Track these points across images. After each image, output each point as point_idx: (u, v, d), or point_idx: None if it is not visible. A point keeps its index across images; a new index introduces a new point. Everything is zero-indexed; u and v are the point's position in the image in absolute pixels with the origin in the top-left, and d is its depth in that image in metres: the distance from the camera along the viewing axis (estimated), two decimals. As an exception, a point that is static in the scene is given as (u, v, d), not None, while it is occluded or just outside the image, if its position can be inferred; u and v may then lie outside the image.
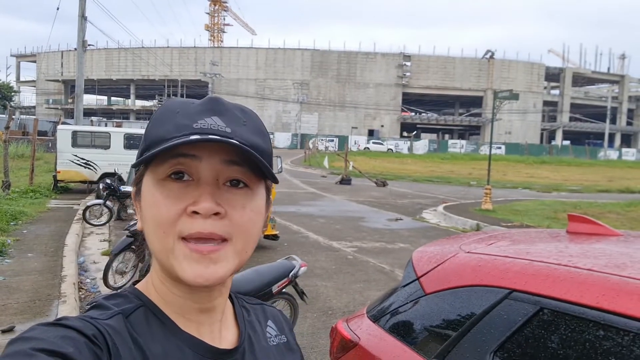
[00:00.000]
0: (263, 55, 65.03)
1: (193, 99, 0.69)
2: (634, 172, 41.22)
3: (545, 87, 73.89)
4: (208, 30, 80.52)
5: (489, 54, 68.52)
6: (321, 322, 4.99)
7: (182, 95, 62.77)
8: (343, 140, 54.58)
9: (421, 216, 12.93)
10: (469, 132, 75.42)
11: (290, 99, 63.52)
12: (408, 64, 65.27)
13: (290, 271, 4.17)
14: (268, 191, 0.71)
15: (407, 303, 1.69)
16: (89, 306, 0.66)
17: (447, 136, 76.31)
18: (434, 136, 72.74)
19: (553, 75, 72.17)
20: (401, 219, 12.11)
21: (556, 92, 75.60)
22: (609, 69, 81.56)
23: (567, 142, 70.78)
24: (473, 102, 70.30)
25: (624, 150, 65.70)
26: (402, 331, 1.65)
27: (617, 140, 73.25)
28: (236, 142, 0.60)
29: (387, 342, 1.65)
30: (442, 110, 78.07)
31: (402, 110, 66.09)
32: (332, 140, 55.43)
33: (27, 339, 0.54)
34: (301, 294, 4.46)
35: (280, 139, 58.73)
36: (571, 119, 72.63)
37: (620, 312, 1.13)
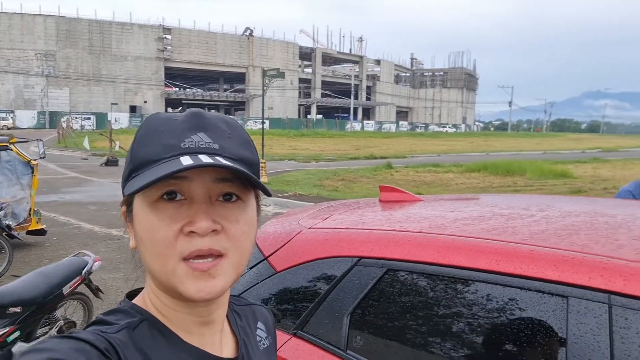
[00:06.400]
0: (-7, 20, 54.49)
1: (175, 113, 0.68)
2: (374, 140, 48.15)
3: (300, 66, 79.85)
4: None
5: (248, 31, 70.61)
6: (118, 317, 4.66)
7: None
8: (102, 118, 50.06)
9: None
10: (234, 107, 77.10)
11: (33, 71, 54.79)
12: (168, 37, 62.79)
13: (83, 268, 3.78)
14: (258, 199, 0.71)
15: (258, 283, 1.74)
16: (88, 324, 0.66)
17: (213, 112, 76.37)
18: (200, 112, 72.08)
19: (306, 55, 78.46)
20: (181, 199, 11.87)
21: (309, 70, 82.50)
22: (350, 50, 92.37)
23: (320, 116, 78.25)
24: (237, 78, 71.89)
25: (365, 122, 75.91)
26: (258, 311, 1.70)
27: (360, 114, 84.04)
28: (228, 164, 0.61)
29: (243, 324, 1.69)
30: (207, 85, 77.95)
31: (166, 85, 63.60)
32: (89, 118, 50.26)
33: (41, 350, 0.55)
34: (96, 290, 4.09)
35: (24, 118, 50.57)
36: (323, 95, 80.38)
37: (451, 264, 1.39)
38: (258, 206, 0.72)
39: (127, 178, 0.65)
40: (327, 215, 1.93)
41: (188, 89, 67.46)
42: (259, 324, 0.85)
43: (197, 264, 0.62)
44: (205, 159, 0.60)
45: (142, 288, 0.73)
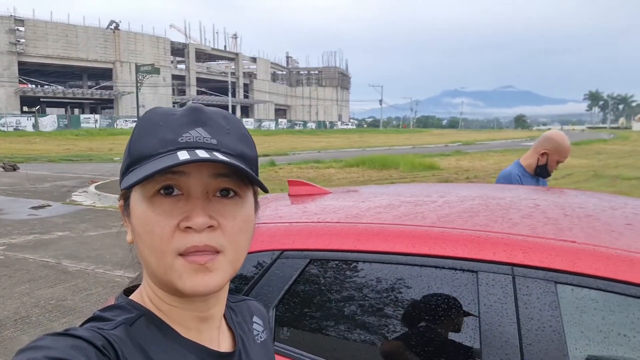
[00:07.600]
0: None
1: (174, 108, 0.69)
2: (255, 138, 46.27)
3: (172, 62, 76.76)
4: None
5: (114, 24, 66.15)
6: (-13, 340, 4.16)
7: None
8: (-59, 119, 43.75)
9: (72, 199, 11.86)
10: (101, 105, 71.79)
11: None
12: (22, 29, 56.51)
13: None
14: (256, 196, 0.72)
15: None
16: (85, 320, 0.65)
17: (77, 110, 70.60)
18: (62, 111, 66.27)
19: (178, 50, 75.59)
20: (49, 205, 10.83)
21: (183, 66, 79.66)
22: (225, 46, 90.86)
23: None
24: (103, 74, 66.97)
25: (244, 120, 75.23)
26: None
27: (238, 112, 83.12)
28: (225, 160, 0.60)
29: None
30: (69, 82, 71.66)
31: (21, 82, 57.19)
32: None
33: (38, 347, 0.54)
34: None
35: None
36: (199, 92, 78.05)
37: (372, 250, 1.47)
38: (256, 203, 0.72)
39: (124, 172, 0.65)
40: (240, 212, 1.92)
41: (47, 86, 61.36)
42: (255, 318, 0.85)
43: (195, 257, 0.61)
44: (202, 154, 0.60)
45: (139, 285, 0.72)
